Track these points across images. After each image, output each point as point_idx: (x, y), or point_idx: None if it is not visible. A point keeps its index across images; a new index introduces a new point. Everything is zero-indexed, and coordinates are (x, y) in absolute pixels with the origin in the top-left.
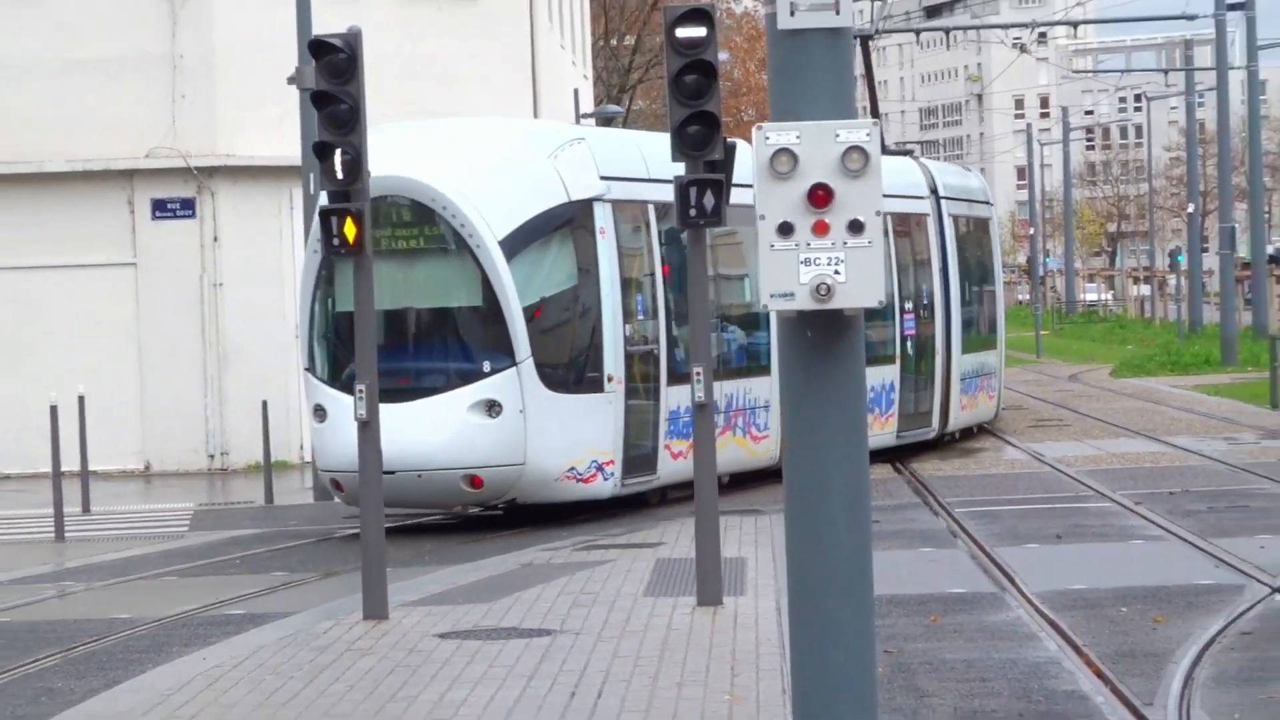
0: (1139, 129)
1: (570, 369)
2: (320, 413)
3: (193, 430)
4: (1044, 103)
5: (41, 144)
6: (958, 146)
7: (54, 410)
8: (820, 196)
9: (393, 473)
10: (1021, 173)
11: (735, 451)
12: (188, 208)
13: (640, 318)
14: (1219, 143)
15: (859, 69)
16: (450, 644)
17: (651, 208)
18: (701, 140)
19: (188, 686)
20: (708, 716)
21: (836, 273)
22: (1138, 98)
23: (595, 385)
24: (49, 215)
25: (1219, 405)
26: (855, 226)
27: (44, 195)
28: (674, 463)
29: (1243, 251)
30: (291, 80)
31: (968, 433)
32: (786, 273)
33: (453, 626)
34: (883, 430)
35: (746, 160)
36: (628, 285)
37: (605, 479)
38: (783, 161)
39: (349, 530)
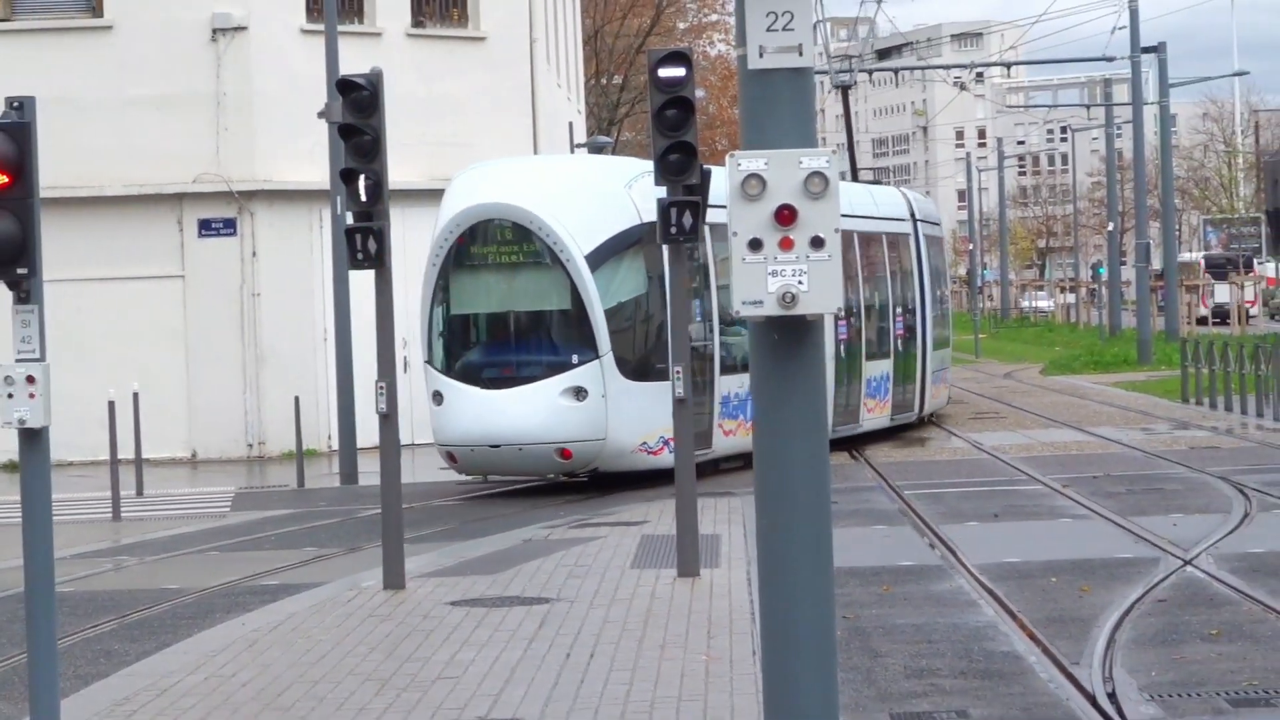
0: (1064, 157)
1: (642, 361)
2: (438, 397)
3: (233, 422)
4: (981, 134)
5: (103, 171)
6: (906, 173)
7: (111, 405)
8: (786, 216)
9: (498, 446)
10: (962, 195)
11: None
12: (230, 227)
13: (698, 319)
14: (1135, 169)
15: (838, 109)
16: (460, 611)
17: (706, 228)
18: (680, 167)
19: (230, 648)
20: (687, 674)
21: (800, 283)
22: (1064, 129)
23: (663, 375)
24: (109, 234)
25: (1136, 400)
26: (816, 242)
27: (104, 216)
28: (725, 439)
29: (1156, 263)
30: (321, 115)
31: (913, 425)
32: (756, 283)
33: (463, 595)
34: (881, 414)
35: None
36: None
37: (670, 452)
38: (753, 185)
39: (371, 510)
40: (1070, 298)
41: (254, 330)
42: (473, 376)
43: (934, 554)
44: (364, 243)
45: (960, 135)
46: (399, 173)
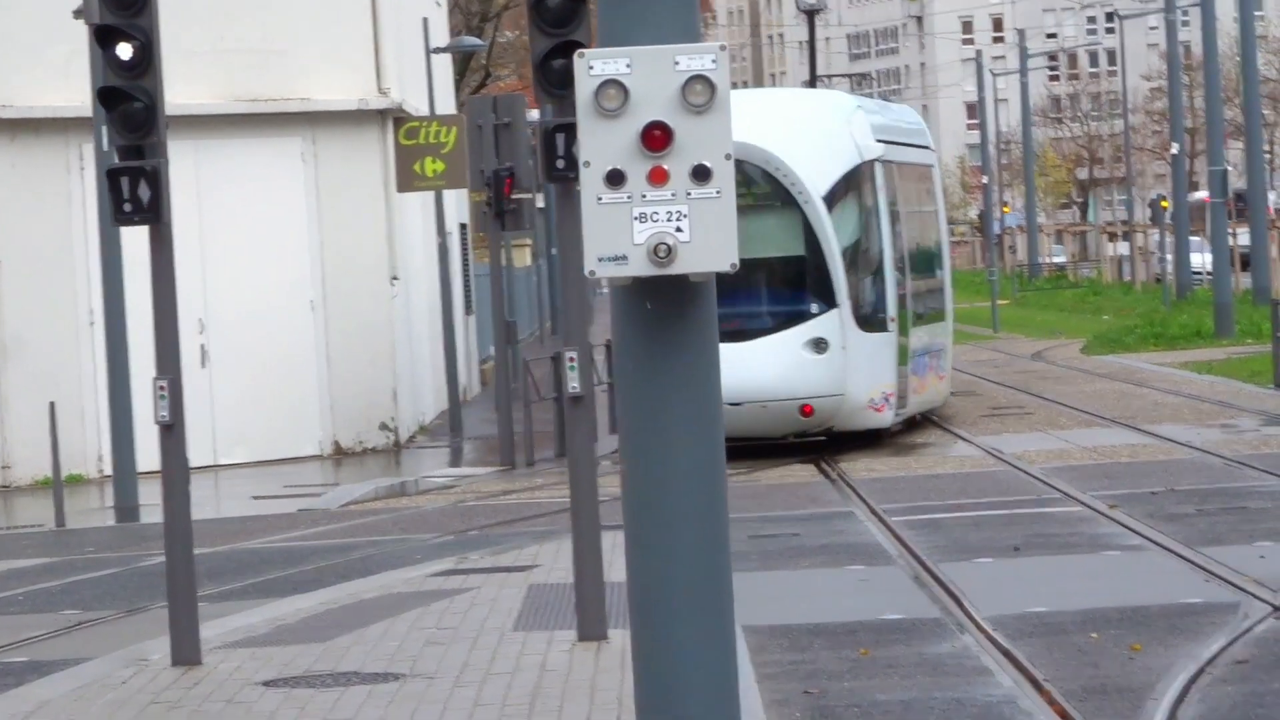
0: (1112, 55)
1: (871, 309)
2: None
3: None
4: (997, 25)
5: None
6: (894, 79)
7: None
8: (657, 138)
9: (739, 404)
10: (972, 110)
11: (931, 394)
12: None
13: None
14: (1205, 69)
15: (801, 36)
16: (276, 694)
17: (905, 170)
18: (570, 76)
19: None
20: None
21: (678, 230)
22: (1109, 17)
23: (883, 325)
24: None
25: (1212, 386)
26: (700, 173)
27: None
28: (915, 396)
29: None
30: (78, 14)
31: (909, 423)
32: (618, 231)
33: (279, 672)
34: (940, 387)
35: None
36: (893, 238)
37: (889, 409)
38: (610, 96)
39: (157, 557)
40: (1123, 248)
41: None
42: None
43: (930, 603)
44: (132, 188)
45: (968, 28)
46: (188, 93)
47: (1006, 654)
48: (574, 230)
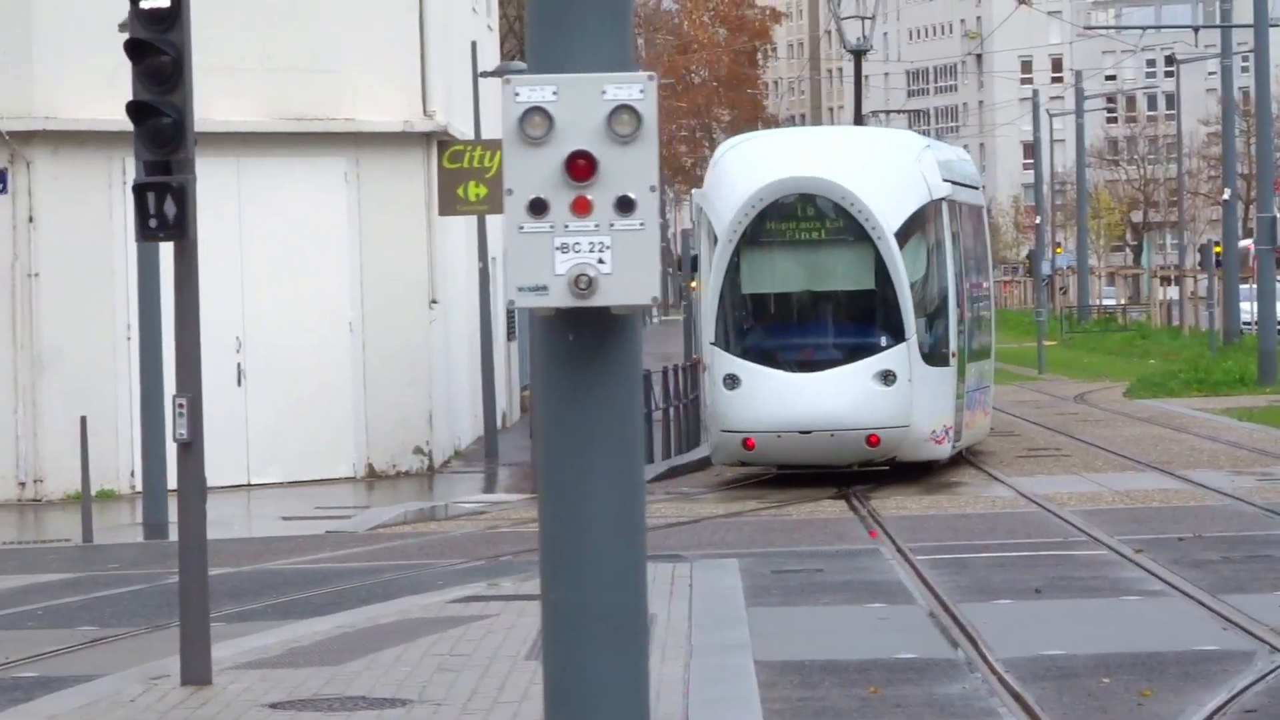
0: (1170, 99)
1: (935, 344)
2: (733, 380)
3: None
4: (1056, 65)
5: None
6: (952, 116)
7: None
8: (581, 167)
9: (809, 432)
10: (1028, 149)
11: (978, 429)
12: None
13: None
14: (1257, 114)
15: (842, 76)
16: (282, 715)
17: (965, 210)
18: None
19: None
20: None
21: (600, 261)
22: (1168, 60)
23: (945, 360)
24: None
25: (1251, 433)
26: (624, 205)
27: None
28: (966, 430)
29: None
30: (124, 26)
31: (946, 467)
32: (539, 261)
33: (289, 695)
34: (985, 423)
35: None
36: (955, 275)
37: (948, 442)
38: (535, 124)
39: None
40: (1173, 292)
41: (29, 324)
42: (776, 359)
43: (946, 643)
44: (159, 204)
45: (1027, 67)
46: (232, 109)
47: (1016, 697)
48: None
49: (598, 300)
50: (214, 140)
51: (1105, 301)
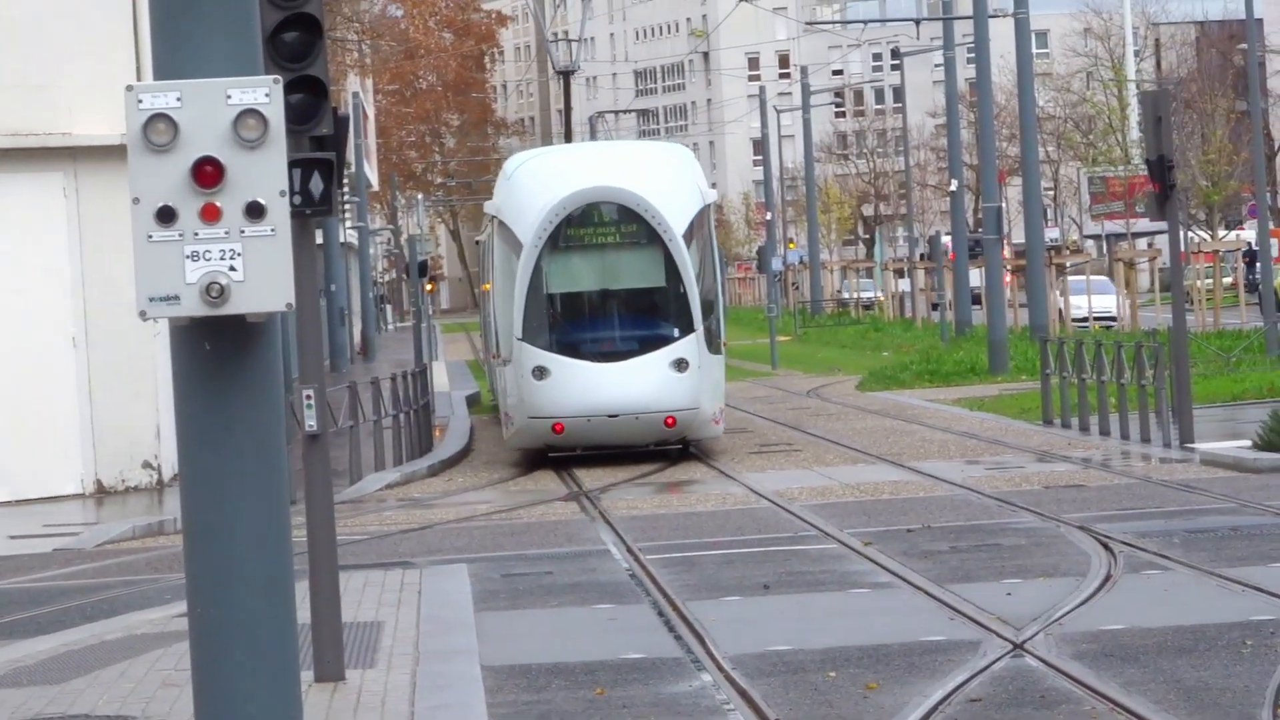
0: (897, 92)
1: (714, 335)
2: (541, 372)
3: None
4: (783, 61)
5: None
6: (681, 115)
7: None
8: (208, 174)
9: (616, 416)
10: (758, 146)
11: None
12: None
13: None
14: (979, 104)
15: (591, 72)
16: None
17: (713, 209)
18: (306, 112)
19: None
20: None
21: (232, 269)
22: (894, 54)
23: (719, 349)
24: None
25: (982, 423)
26: (254, 210)
27: None
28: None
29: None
30: None
31: (675, 463)
32: (170, 270)
33: (10, 715)
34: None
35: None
36: (719, 272)
37: (721, 423)
38: (160, 130)
39: None
40: (904, 284)
41: None
42: (580, 351)
43: (673, 642)
44: None
45: (754, 64)
46: None
47: (743, 694)
48: (308, 265)
49: (231, 308)
50: None
51: (864, 294)
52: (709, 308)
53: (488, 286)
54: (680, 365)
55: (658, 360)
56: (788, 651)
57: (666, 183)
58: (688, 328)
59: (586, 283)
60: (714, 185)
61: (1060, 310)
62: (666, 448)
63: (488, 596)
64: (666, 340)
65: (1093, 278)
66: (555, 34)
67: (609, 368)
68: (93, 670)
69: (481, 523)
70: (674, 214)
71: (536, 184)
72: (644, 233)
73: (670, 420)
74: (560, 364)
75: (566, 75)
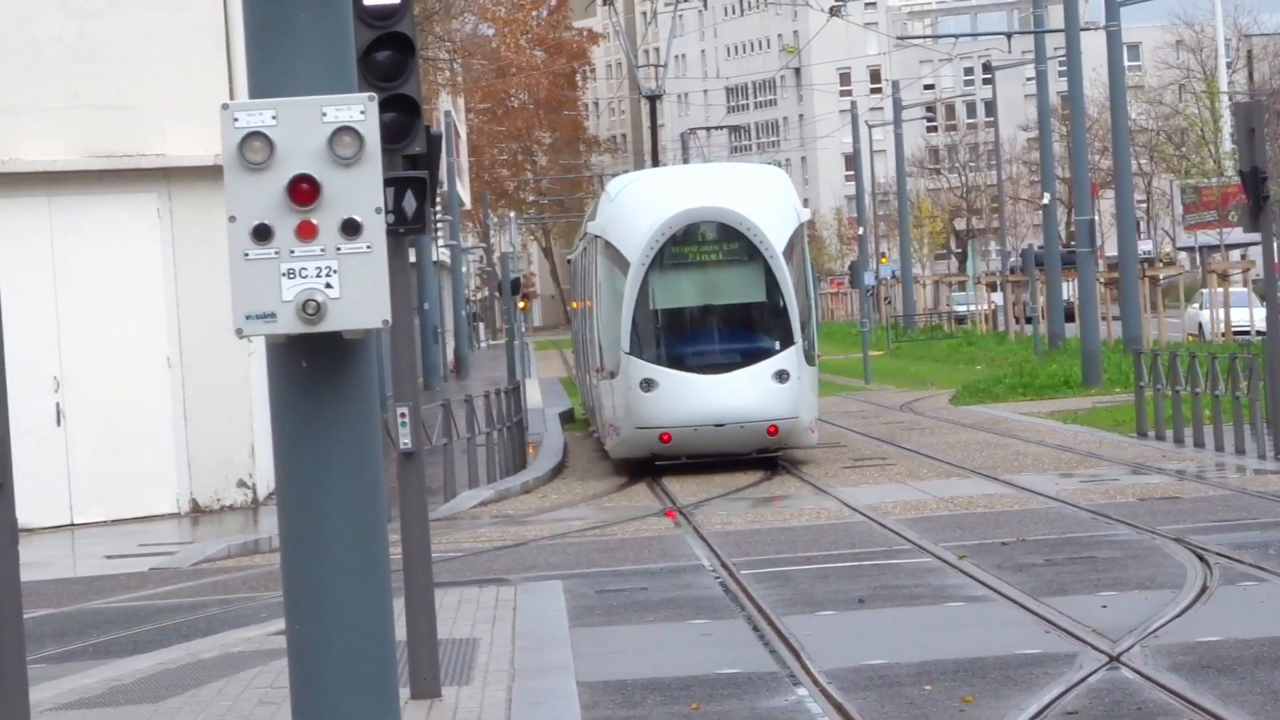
0: (989, 106)
1: (811, 348)
2: (649, 384)
3: None
4: (874, 76)
5: None
6: (773, 131)
7: None
8: (304, 191)
9: (723, 425)
10: (850, 161)
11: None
12: None
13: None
14: (1071, 117)
15: (682, 89)
16: None
17: (805, 228)
18: (400, 131)
19: None
20: None
21: (328, 286)
22: (986, 67)
23: (814, 361)
24: None
25: (1076, 435)
26: (350, 228)
27: None
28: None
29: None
30: None
31: (769, 478)
32: (266, 287)
33: None
34: None
35: None
36: (813, 287)
37: (816, 433)
38: (256, 148)
39: None
40: (997, 298)
41: None
42: (686, 364)
43: (769, 656)
44: None
45: (845, 80)
46: (42, 148)
47: (838, 707)
48: (402, 283)
49: (327, 325)
50: (24, 180)
51: (958, 308)
52: (806, 321)
53: (577, 304)
54: (782, 376)
55: (761, 372)
56: (883, 665)
57: (765, 202)
58: (788, 340)
59: (691, 298)
60: (805, 201)
61: (1201, 324)
62: (765, 456)
63: (582, 612)
64: (769, 353)
65: (1232, 290)
66: (645, 51)
67: (714, 379)
68: (189, 689)
69: (575, 539)
70: (773, 232)
71: (641, 205)
72: (745, 250)
73: (772, 429)
74: (668, 376)
75: (653, 100)
